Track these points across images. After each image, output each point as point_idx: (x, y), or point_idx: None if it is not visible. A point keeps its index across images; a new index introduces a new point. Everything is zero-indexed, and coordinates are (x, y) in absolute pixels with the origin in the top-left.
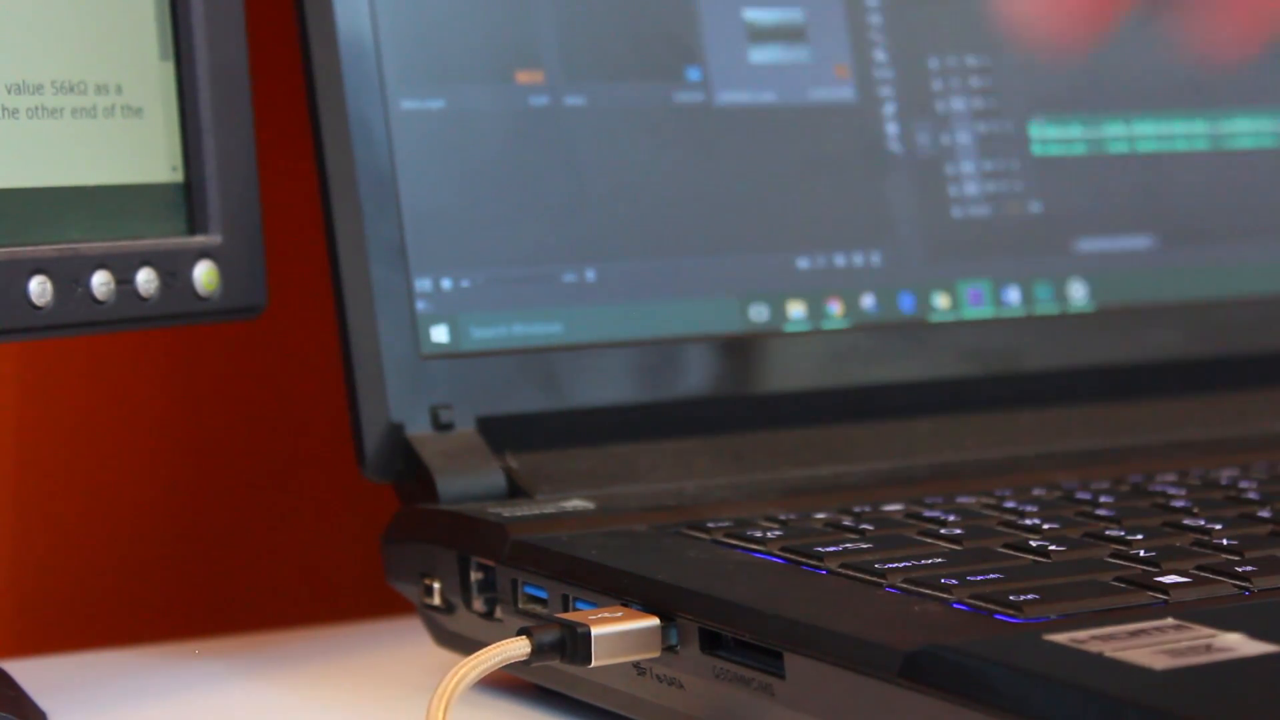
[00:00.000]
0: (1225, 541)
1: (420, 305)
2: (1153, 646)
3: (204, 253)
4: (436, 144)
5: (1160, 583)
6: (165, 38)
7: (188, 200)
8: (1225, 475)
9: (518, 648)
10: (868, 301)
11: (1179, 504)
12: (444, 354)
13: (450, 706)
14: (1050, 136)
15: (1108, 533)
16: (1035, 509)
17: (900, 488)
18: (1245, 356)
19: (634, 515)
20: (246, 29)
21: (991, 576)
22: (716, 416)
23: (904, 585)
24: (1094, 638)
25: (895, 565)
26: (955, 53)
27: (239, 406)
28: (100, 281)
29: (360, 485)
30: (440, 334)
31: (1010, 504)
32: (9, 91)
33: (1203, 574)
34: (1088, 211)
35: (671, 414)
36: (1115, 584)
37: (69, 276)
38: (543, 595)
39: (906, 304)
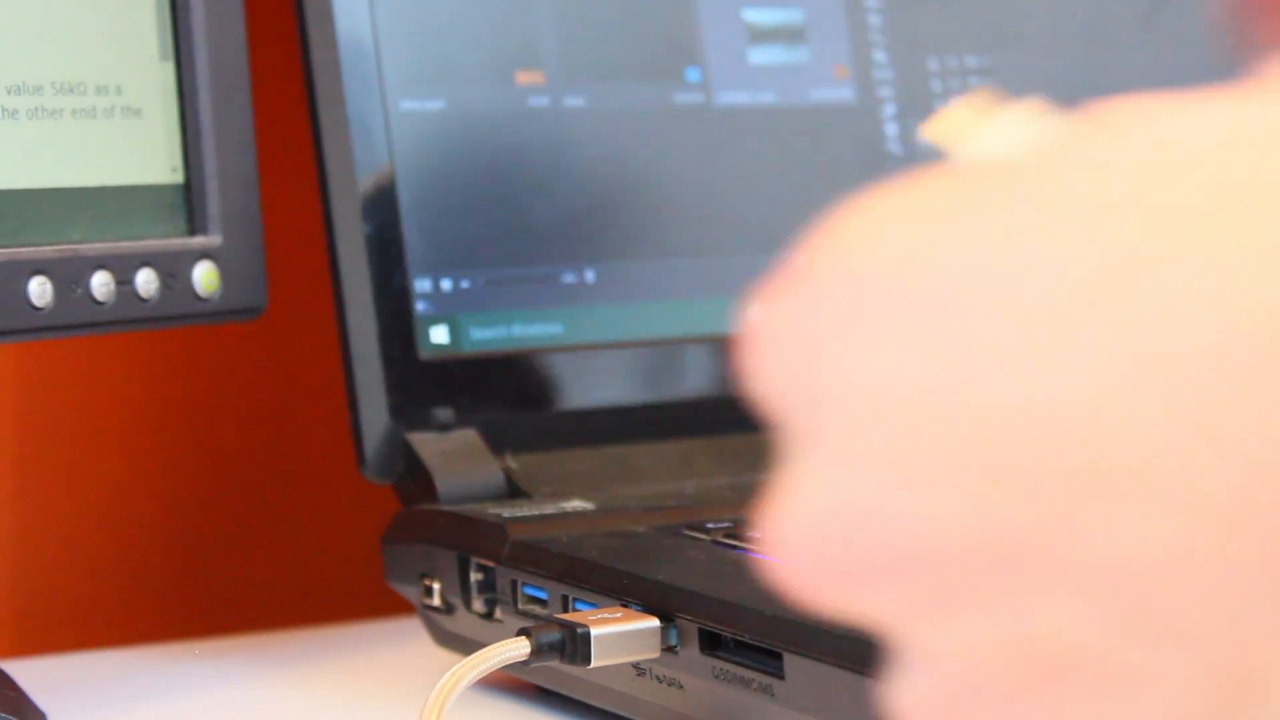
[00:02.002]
0: None
1: (420, 306)
2: None
3: (204, 254)
4: (436, 144)
5: None
6: (165, 38)
7: (188, 201)
8: None
9: (517, 648)
10: None
11: None
12: (444, 355)
13: (445, 708)
14: None
15: None
16: None
17: None
18: None
19: (633, 516)
20: (246, 29)
21: None
22: (716, 416)
23: None
24: None
25: None
26: (955, 53)
27: (239, 407)
28: (100, 282)
29: (360, 485)
30: (440, 335)
31: None
32: (9, 92)
33: None
34: None
35: (671, 414)
36: None
37: (69, 277)
38: (542, 596)
39: None
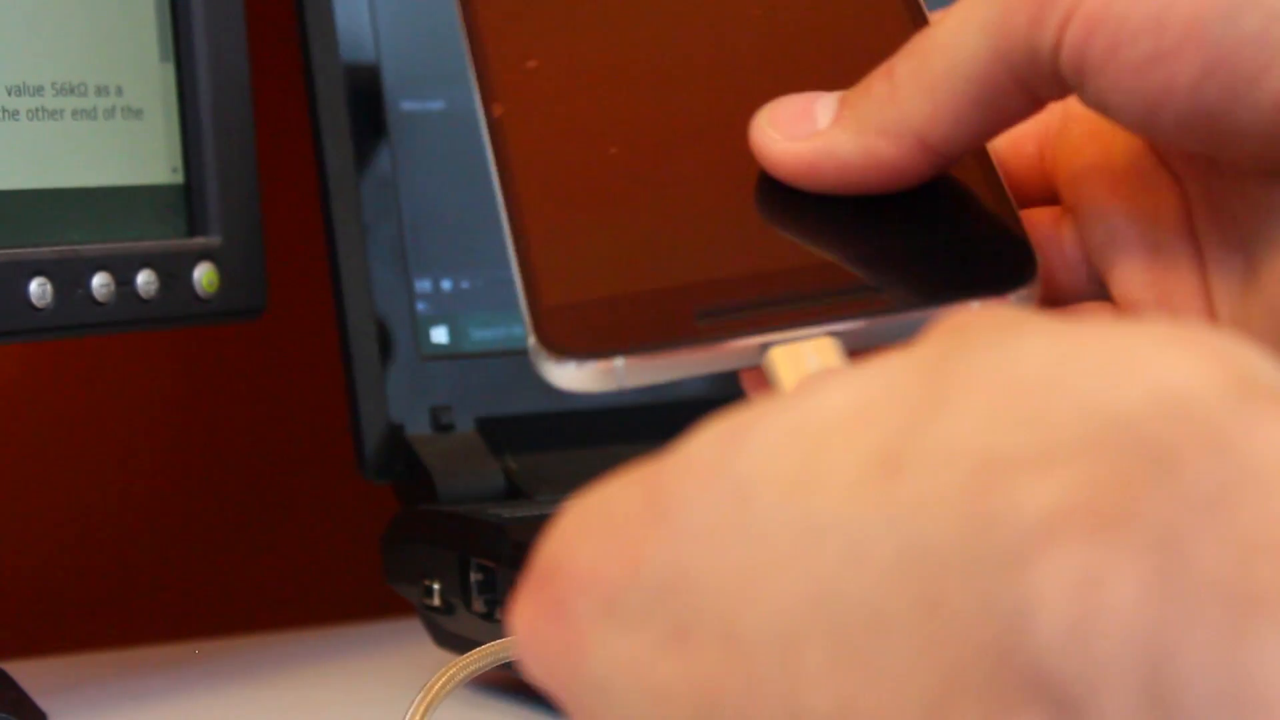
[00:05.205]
0: None
1: (420, 306)
2: None
3: (204, 254)
4: (436, 145)
5: None
6: (165, 39)
7: (188, 202)
8: None
9: (511, 648)
10: None
11: None
12: (444, 355)
13: (435, 707)
14: None
15: None
16: None
17: None
18: None
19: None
20: (246, 29)
21: None
22: None
23: None
24: None
25: None
26: None
27: (239, 406)
28: (100, 283)
29: (360, 485)
30: (440, 335)
31: None
32: (10, 93)
33: None
34: None
35: (672, 415)
36: None
37: (69, 278)
38: None
39: None
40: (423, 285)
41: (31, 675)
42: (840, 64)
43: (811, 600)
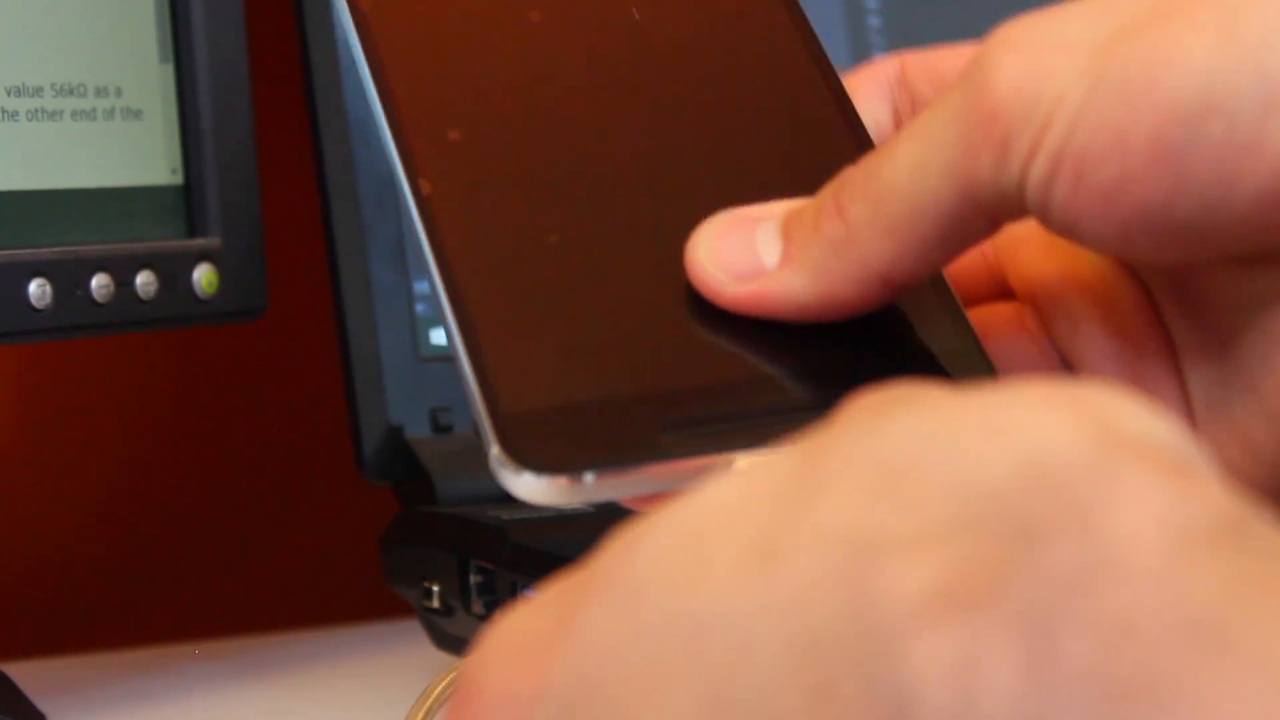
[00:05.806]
0: None
1: (420, 307)
2: None
3: (204, 255)
4: None
5: None
6: (165, 40)
7: (187, 203)
8: None
9: None
10: None
11: None
12: (444, 356)
13: (432, 711)
14: None
15: None
16: None
17: None
18: None
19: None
20: (246, 29)
21: None
22: None
23: None
24: None
25: None
26: None
27: (239, 407)
28: (100, 284)
29: (360, 486)
30: (440, 336)
31: None
32: (9, 94)
33: None
34: None
35: None
36: None
37: (68, 279)
38: None
39: None
40: (422, 286)
41: (31, 676)
42: (776, 138)
43: (707, 697)
